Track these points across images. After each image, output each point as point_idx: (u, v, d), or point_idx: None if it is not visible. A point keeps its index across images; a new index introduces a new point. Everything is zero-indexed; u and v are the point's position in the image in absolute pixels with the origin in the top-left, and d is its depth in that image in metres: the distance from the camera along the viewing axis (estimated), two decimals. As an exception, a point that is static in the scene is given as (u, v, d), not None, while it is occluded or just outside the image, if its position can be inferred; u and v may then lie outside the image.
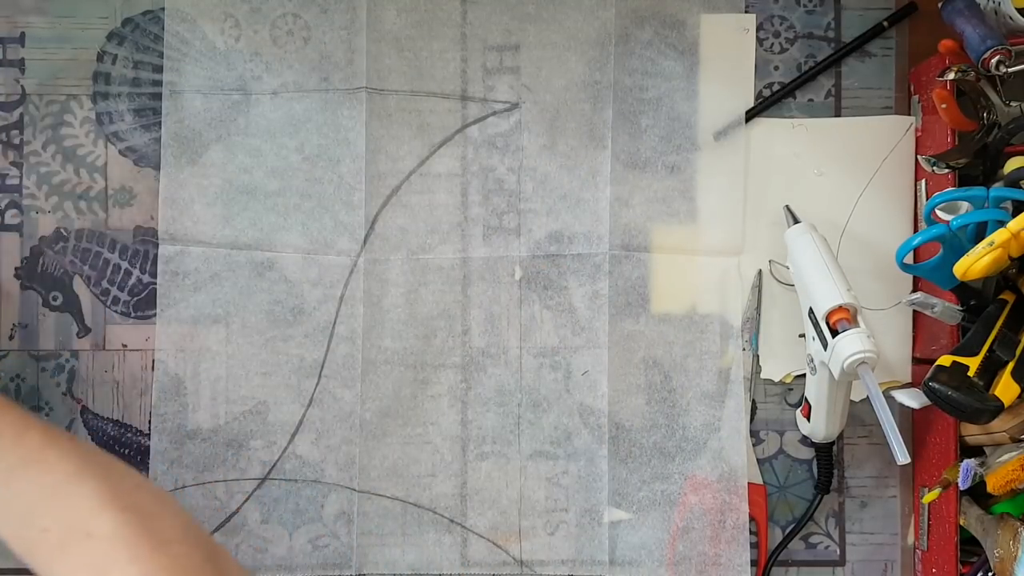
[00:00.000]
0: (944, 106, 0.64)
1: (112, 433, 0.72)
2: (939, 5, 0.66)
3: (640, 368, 0.73)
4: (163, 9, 0.72)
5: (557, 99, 0.73)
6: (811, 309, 0.65)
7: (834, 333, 0.63)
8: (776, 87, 0.74)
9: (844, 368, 0.62)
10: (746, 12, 0.74)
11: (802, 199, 0.72)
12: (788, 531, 0.73)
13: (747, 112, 0.73)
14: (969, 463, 0.64)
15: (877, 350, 0.61)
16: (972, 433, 0.65)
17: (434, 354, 0.73)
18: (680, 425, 0.73)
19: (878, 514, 0.73)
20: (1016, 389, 0.59)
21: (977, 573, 0.67)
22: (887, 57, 0.74)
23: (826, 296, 0.64)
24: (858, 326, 0.63)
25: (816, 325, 0.65)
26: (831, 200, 0.73)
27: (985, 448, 0.65)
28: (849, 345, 0.62)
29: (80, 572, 0.50)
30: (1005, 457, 0.62)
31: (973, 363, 0.60)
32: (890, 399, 0.67)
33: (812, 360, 0.67)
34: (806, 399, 0.70)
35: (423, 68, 0.73)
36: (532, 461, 0.73)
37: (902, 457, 0.59)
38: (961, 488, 0.65)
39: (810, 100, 0.74)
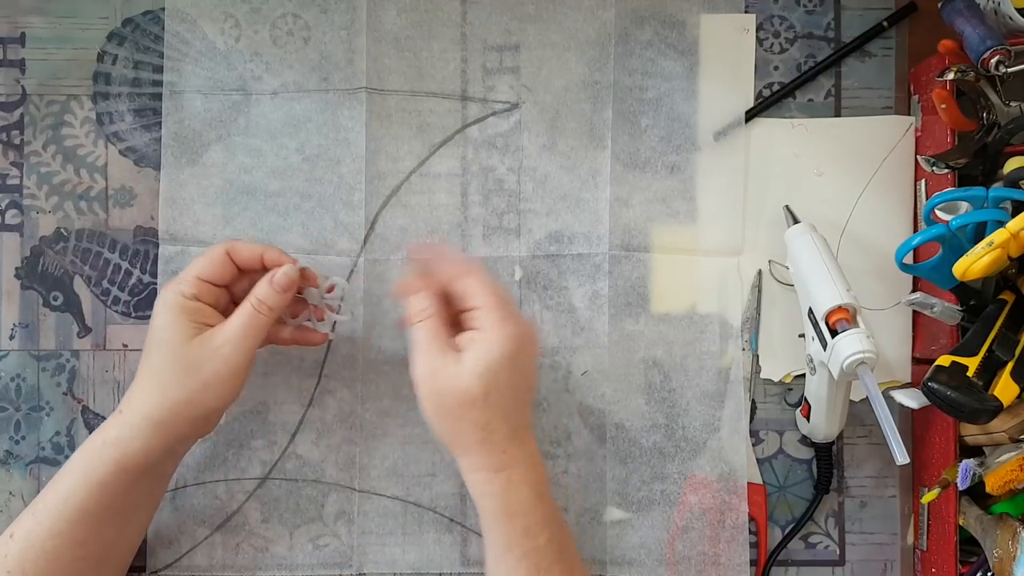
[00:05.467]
0: (944, 106, 0.64)
1: (112, 433, 0.72)
2: (939, 5, 0.66)
3: (640, 368, 0.73)
4: (163, 9, 0.72)
5: (557, 99, 0.73)
6: (811, 309, 0.65)
7: (834, 333, 0.63)
8: (776, 87, 0.74)
9: (844, 368, 0.62)
10: (746, 12, 0.74)
11: (802, 199, 0.72)
12: (788, 531, 0.73)
13: (747, 112, 0.73)
14: (968, 463, 0.64)
15: (876, 350, 0.61)
16: (971, 433, 0.65)
17: (434, 354, 0.73)
18: (680, 425, 0.73)
19: (878, 514, 0.73)
20: (1015, 389, 0.59)
21: (976, 573, 0.67)
22: (887, 57, 0.74)
23: (826, 296, 0.64)
24: (858, 326, 0.63)
25: (816, 325, 0.65)
26: (831, 200, 0.73)
27: (984, 448, 0.65)
28: (848, 345, 0.62)
29: None
30: (1004, 457, 0.62)
31: (972, 363, 0.60)
32: (889, 399, 0.67)
33: (812, 360, 0.67)
34: (806, 399, 0.70)
35: (423, 68, 0.73)
36: (532, 461, 0.73)
37: (901, 457, 0.59)
38: (960, 488, 0.65)
39: (810, 100, 0.74)
